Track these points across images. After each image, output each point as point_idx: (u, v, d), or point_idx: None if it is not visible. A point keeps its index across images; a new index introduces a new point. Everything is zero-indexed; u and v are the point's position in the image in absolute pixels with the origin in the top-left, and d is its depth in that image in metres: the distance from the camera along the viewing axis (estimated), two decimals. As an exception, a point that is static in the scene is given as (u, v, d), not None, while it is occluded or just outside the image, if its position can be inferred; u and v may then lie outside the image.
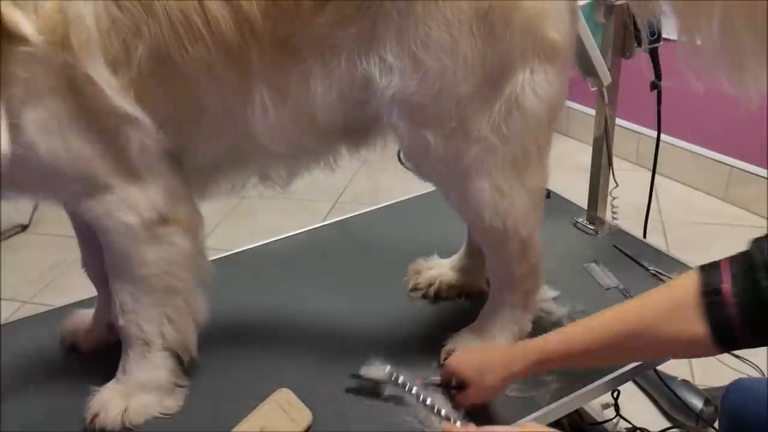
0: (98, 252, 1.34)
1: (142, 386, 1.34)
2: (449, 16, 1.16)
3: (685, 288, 1.02)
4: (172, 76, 1.17)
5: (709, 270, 1.02)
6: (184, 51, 1.15)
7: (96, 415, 1.31)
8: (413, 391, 1.33)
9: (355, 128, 1.33)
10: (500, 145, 1.25)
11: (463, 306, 1.64)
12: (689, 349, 1.10)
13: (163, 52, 1.14)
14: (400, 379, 1.34)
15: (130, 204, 1.23)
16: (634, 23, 1.71)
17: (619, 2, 1.69)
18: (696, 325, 0.99)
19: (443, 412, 1.28)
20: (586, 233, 1.92)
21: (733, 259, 1.00)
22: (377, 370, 1.37)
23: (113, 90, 1.14)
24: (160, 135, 1.21)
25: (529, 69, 1.21)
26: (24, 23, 1.02)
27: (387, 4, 1.17)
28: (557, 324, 1.55)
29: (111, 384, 1.36)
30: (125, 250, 1.27)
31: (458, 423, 1.23)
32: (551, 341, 1.18)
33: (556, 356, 1.16)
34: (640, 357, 1.28)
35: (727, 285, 0.97)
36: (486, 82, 1.21)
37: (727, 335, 0.98)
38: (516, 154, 1.27)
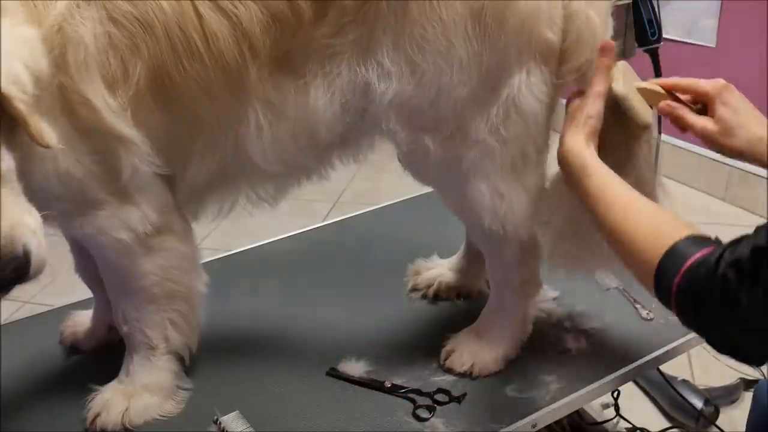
0: (91, 257, 1.33)
1: (145, 388, 1.35)
2: (444, 16, 1.15)
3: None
4: (170, 94, 1.16)
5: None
6: (182, 69, 1.14)
7: (97, 415, 1.31)
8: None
9: (353, 138, 1.32)
10: (499, 147, 1.24)
11: (462, 306, 1.64)
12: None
13: (161, 70, 1.13)
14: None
15: (123, 220, 1.22)
16: (635, 23, 1.72)
17: (619, 2, 1.69)
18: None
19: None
20: (586, 233, 1.91)
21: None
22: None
23: (111, 111, 1.13)
24: (153, 157, 1.19)
25: (525, 70, 1.20)
26: (48, 132, 1.01)
27: (383, 6, 1.16)
28: (557, 324, 1.55)
29: (113, 384, 1.37)
30: (122, 265, 1.27)
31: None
32: None
33: None
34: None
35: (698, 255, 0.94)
36: (483, 84, 1.20)
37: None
38: (515, 156, 1.26)
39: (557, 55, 1.22)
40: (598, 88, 1.21)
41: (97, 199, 1.19)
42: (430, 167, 1.30)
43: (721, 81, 1.20)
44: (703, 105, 1.22)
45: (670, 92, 1.24)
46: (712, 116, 1.19)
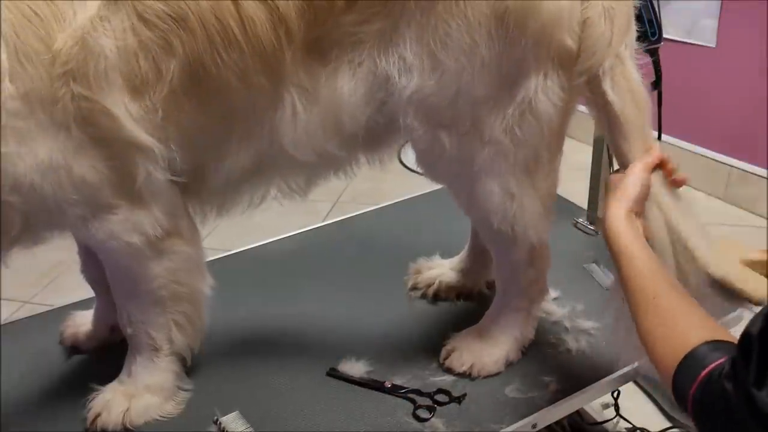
0: (97, 259, 1.34)
1: (147, 388, 1.35)
2: (469, 15, 1.16)
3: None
4: (205, 88, 1.16)
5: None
6: (219, 58, 1.14)
7: (98, 415, 1.31)
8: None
9: (375, 132, 1.32)
10: (513, 148, 1.24)
11: (462, 307, 1.64)
12: None
13: (196, 63, 1.13)
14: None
15: (135, 224, 1.22)
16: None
17: (619, 2, 1.69)
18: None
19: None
20: (586, 233, 1.92)
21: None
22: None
23: (131, 120, 1.13)
24: (170, 164, 1.19)
25: (542, 74, 1.20)
26: None
27: (411, 2, 1.17)
28: (557, 324, 1.55)
29: (113, 385, 1.37)
30: (131, 269, 1.27)
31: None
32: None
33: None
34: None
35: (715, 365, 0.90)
36: (501, 85, 1.21)
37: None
38: (528, 158, 1.26)
39: (574, 61, 1.22)
40: (637, 165, 1.19)
41: (111, 203, 1.20)
42: (444, 164, 1.30)
43: None
44: None
45: None
46: None
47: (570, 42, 1.19)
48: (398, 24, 1.19)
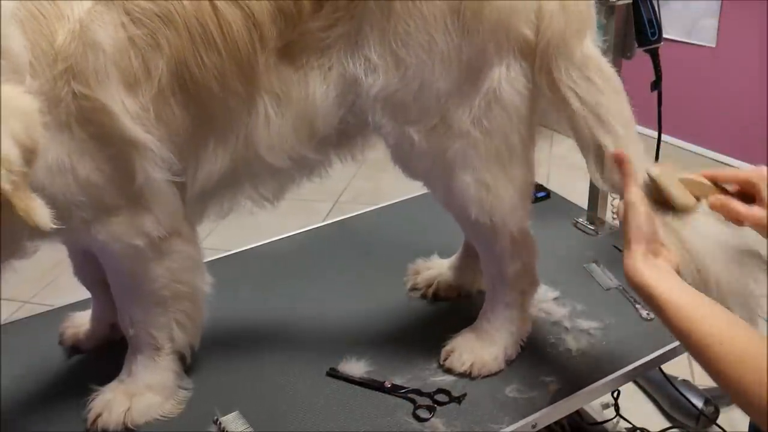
0: (90, 259, 1.34)
1: (148, 387, 1.35)
2: (425, 12, 1.19)
3: None
4: (189, 90, 1.17)
5: None
6: (201, 61, 1.15)
7: (99, 415, 1.31)
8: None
9: (346, 131, 1.34)
10: (482, 138, 1.26)
11: (462, 306, 1.64)
12: None
13: (182, 64, 1.14)
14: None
15: (138, 226, 1.22)
16: (635, 23, 1.72)
17: (619, 2, 1.69)
18: None
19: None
20: (586, 233, 1.92)
21: None
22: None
23: (129, 117, 1.13)
24: (170, 161, 1.19)
25: (505, 64, 1.23)
26: (38, 209, 0.96)
27: (371, 4, 1.20)
28: (557, 324, 1.55)
29: (114, 384, 1.37)
30: (134, 271, 1.28)
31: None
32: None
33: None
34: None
35: None
36: (464, 77, 1.23)
37: None
38: (499, 148, 1.28)
39: (534, 50, 1.24)
40: (629, 197, 1.14)
41: (114, 205, 1.19)
42: (416, 160, 1.31)
43: (763, 167, 1.11)
44: (747, 194, 1.13)
45: (715, 183, 1.15)
46: (761, 203, 1.10)
47: (527, 31, 1.22)
48: (362, 26, 1.22)
